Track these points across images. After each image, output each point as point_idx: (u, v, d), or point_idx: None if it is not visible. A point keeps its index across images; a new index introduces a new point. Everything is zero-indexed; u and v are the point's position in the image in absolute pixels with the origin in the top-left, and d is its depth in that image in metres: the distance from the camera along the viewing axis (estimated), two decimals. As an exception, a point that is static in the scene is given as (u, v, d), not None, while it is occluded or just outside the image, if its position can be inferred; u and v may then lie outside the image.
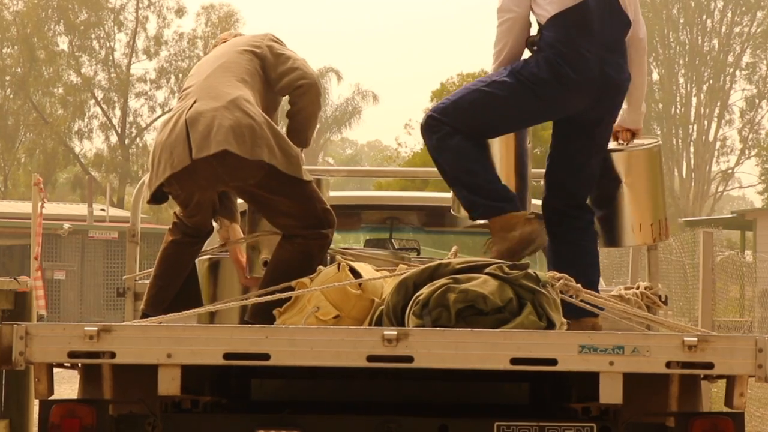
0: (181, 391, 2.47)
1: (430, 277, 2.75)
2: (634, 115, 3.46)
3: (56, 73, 32.83)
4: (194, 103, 3.11)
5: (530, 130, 3.51)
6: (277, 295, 2.94)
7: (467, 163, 3.19)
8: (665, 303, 3.53)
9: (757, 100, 39.83)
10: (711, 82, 39.86)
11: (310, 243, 3.12)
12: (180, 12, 34.00)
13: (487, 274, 2.70)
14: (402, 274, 2.87)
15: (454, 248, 3.29)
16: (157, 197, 3.21)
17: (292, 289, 2.98)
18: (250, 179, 3.04)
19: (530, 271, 2.71)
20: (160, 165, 3.10)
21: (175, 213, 3.31)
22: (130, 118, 34.13)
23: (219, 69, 3.19)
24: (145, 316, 3.15)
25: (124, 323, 2.76)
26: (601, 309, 2.97)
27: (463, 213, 3.36)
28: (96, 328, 2.45)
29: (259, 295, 3.00)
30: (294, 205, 3.08)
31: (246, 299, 3.09)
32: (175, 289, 3.23)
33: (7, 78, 32.80)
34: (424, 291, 2.70)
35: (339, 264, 2.95)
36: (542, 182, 3.44)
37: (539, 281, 2.69)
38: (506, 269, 2.69)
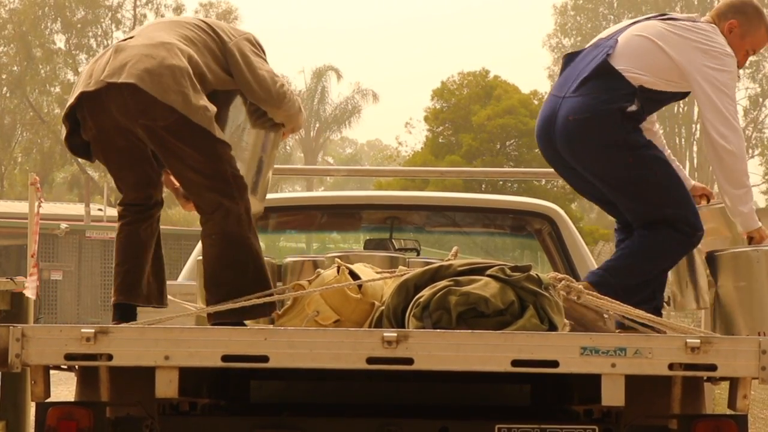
0: (179, 394, 2.46)
1: (431, 279, 2.73)
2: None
3: (53, 72, 32.77)
4: (129, 38, 3.09)
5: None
6: (265, 299, 2.92)
7: None
8: (668, 303, 3.51)
9: (760, 99, 39.79)
10: (714, 80, 39.72)
11: (223, 224, 2.97)
12: (178, 9, 33.95)
13: (489, 276, 2.68)
14: (402, 275, 2.85)
15: (454, 249, 3.27)
16: (78, 148, 3.09)
17: (289, 292, 2.95)
18: (159, 121, 2.92)
19: (532, 273, 2.69)
20: (77, 87, 3.02)
21: (118, 203, 3.18)
22: (128, 117, 34.04)
23: (169, 24, 3.14)
24: (116, 306, 3.04)
25: (121, 325, 2.74)
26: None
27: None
28: (93, 330, 2.43)
29: (267, 296, 2.97)
30: (203, 161, 2.96)
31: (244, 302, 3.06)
32: (142, 270, 3.09)
33: (4, 76, 32.74)
34: (425, 293, 2.68)
35: (338, 267, 2.93)
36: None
37: (541, 283, 2.68)
38: (508, 271, 2.67)
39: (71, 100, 3.02)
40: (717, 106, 3.16)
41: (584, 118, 3.15)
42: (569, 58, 3.35)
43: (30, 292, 4.99)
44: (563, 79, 3.31)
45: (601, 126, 3.15)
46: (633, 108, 3.15)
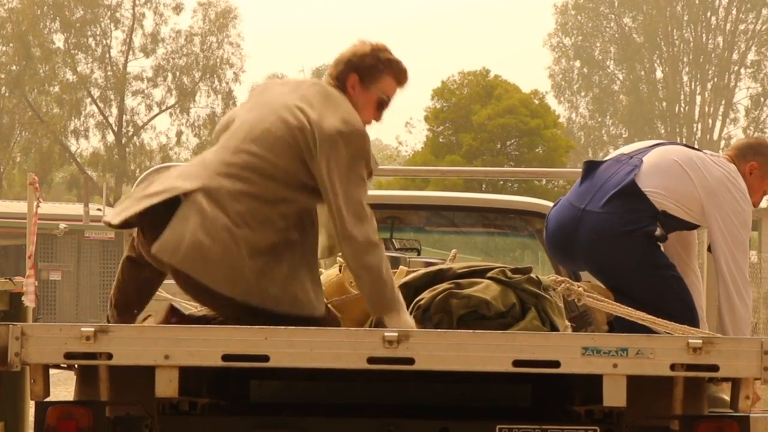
0: (179, 393, 2.45)
1: (431, 281, 2.72)
2: None
3: (52, 71, 32.76)
4: (197, 191, 2.61)
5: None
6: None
7: None
8: None
9: (762, 99, 39.87)
10: (716, 80, 39.89)
11: None
12: (177, 9, 33.96)
13: (490, 278, 2.68)
14: (403, 277, 2.84)
15: (453, 251, 3.25)
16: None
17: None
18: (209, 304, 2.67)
19: (533, 275, 2.69)
20: (134, 205, 2.69)
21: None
22: (127, 117, 34.11)
23: (259, 139, 2.62)
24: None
25: (120, 324, 2.73)
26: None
27: None
28: (93, 329, 2.42)
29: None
30: None
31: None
32: (139, 301, 2.87)
33: (2, 76, 32.71)
34: (426, 296, 2.67)
35: (341, 266, 2.91)
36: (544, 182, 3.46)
37: (541, 285, 2.67)
38: (509, 274, 2.67)
39: (126, 214, 2.70)
40: (737, 260, 3.24)
41: (609, 239, 3.20)
42: (590, 167, 3.37)
43: (29, 300, 4.96)
44: (584, 189, 3.33)
45: (627, 248, 3.20)
46: (657, 232, 3.21)
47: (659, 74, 40.67)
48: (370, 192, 2.80)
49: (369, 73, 2.76)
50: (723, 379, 2.54)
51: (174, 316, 2.79)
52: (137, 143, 34.23)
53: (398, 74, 2.83)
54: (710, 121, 39.86)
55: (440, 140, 25.69)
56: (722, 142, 39.78)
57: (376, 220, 4.59)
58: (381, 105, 2.79)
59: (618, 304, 3.06)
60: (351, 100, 2.72)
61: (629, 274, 3.22)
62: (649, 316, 2.91)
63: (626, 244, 3.19)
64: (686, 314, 3.24)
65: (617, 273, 3.24)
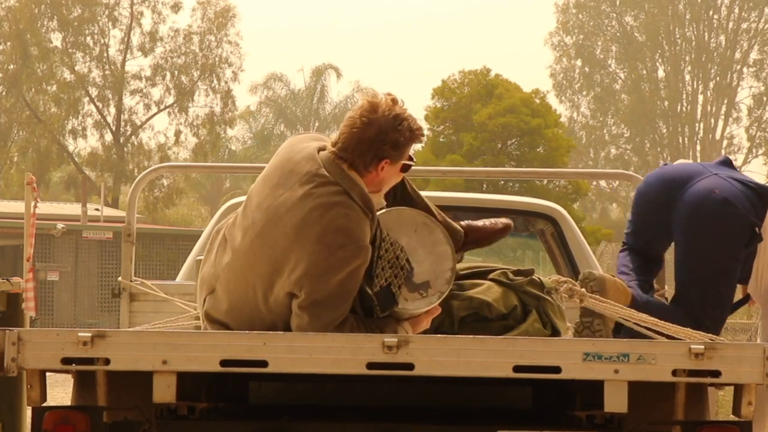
0: (177, 398, 2.43)
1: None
2: None
3: (50, 70, 32.67)
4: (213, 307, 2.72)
5: None
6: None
7: None
8: None
9: (764, 98, 39.87)
10: (718, 79, 39.88)
11: None
12: (176, 7, 33.88)
13: (491, 280, 2.66)
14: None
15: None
16: None
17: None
18: None
19: (535, 277, 2.67)
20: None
21: None
22: (125, 116, 34.05)
23: (262, 252, 2.63)
24: None
25: (119, 329, 2.71)
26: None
27: None
28: (90, 334, 2.41)
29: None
30: None
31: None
32: None
33: (0, 75, 32.64)
34: (427, 297, 2.65)
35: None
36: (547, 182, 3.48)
37: (543, 287, 2.66)
38: (510, 275, 2.66)
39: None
40: None
41: (726, 205, 3.27)
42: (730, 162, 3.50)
43: (29, 307, 4.92)
44: (719, 164, 3.44)
45: (733, 223, 3.27)
46: (757, 231, 3.31)
47: (661, 73, 40.69)
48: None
49: None
50: (725, 385, 2.52)
51: None
52: (135, 143, 34.15)
53: None
54: (712, 120, 39.86)
55: (441, 140, 25.64)
56: (724, 142, 39.78)
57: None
58: None
59: (620, 306, 3.04)
60: None
61: (711, 245, 3.26)
62: (653, 319, 2.89)
63: (736, 219, 3.25)
64: (717, 312, 3.28)
65: (703, 236, 3.25)
